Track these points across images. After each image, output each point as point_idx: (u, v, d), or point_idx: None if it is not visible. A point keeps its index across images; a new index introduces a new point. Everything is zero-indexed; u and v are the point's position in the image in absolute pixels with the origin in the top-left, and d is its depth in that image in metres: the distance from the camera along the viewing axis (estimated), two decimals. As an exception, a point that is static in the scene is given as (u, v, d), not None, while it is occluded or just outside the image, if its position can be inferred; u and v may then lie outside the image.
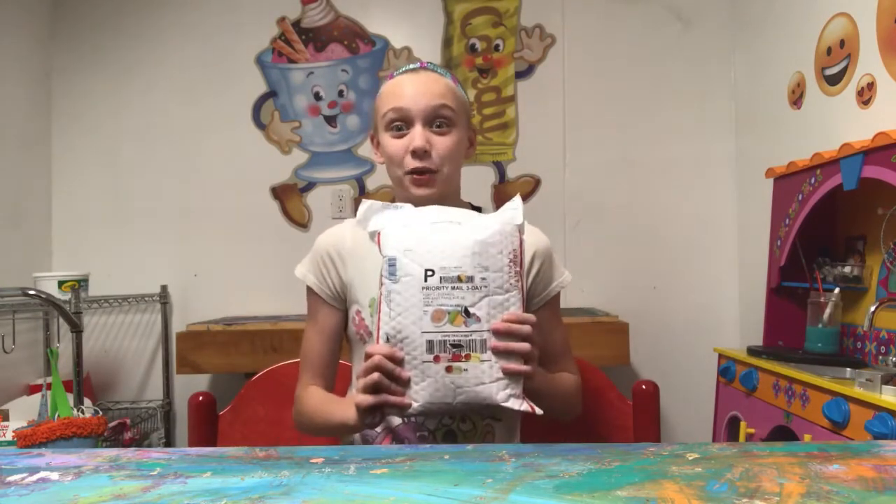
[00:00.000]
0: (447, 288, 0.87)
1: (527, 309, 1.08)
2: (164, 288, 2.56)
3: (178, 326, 2.49)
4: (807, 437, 1.47)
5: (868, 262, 1.71)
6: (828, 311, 1.69)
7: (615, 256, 2.53)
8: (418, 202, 1.03)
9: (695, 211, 2.54)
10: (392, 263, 0.89)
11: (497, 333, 0.87)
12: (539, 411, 0.89)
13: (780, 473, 0.58)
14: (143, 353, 2.60)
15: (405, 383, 0.87)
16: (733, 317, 2.52)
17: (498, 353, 0.87)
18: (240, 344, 2.16)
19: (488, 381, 0.87)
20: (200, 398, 1.21)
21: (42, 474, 0.61)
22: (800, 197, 1.81)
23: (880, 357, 1.62)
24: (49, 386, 1.80)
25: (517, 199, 0.94)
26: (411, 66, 1.10)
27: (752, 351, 1.84)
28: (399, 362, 0.87)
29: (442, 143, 1.04)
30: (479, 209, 1.16)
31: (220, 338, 2.17)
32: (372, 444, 1.05)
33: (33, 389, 2.23)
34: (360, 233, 1.03)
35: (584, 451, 0.66)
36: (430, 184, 1.04)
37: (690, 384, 2.42)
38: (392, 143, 1.05)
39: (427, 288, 0.87)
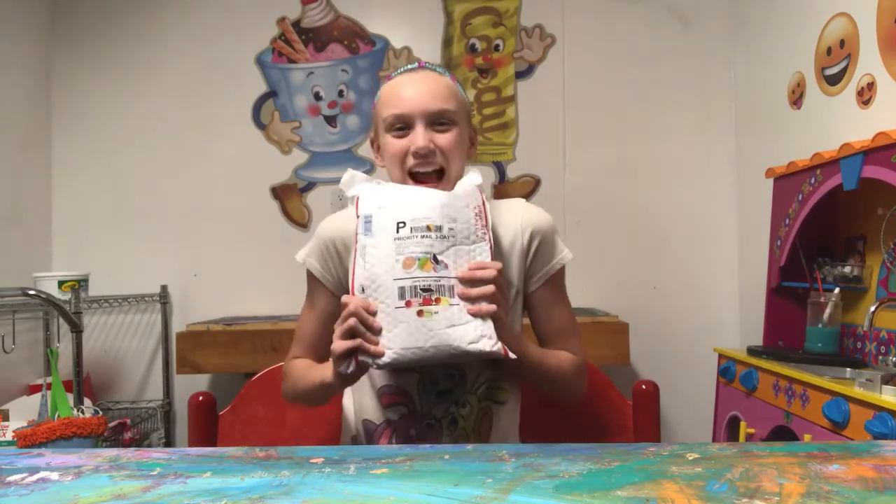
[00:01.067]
0: (417, 237, 0.92)
1: (527, 287, 1.09)
2: (164, 288, 2.56)
3: (178, 326, 2.49)
4: (807, 437, 1.47)
5: (868, 262, 1.71)
6: (828, 311, 1.69)
7: (615, 256, 2.53)
8: None
9: (695, 211, 2.54)
10: (368, 220, 0.95)
11: (462, 281, 0.91)
12: (512, 355, 0.92)
13: (780, 473, 0.58)
14: (143, 353, 2.60)
15: (378, 332, 0.90)
16: (733, 317, 2.52)
17: (465, 299, 0.90)
18: (240, 344, 2.16)
19: (458, 322, 0.90)
20: (200, 398, 1.21)
21: (42, 474, 0.61)
22: (800, 197, 1.81)
23: (880, 357, 1.62)
24: (49, 386, 1.80)
25: (475, 170, 1.03)
26: (409, 66, 1.09)
27: (752, 351, 1.84)
28: (373, 314, 0.90)
29: (445, 140, 1.03)
30: None
31: (220, 338, 2.17)
32: (373, 434, 1.05)
33: (33, 389, 2.23)
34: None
35: (584, 451, 0.66)
36: (433, 184, 1.03)
37: (690, 384, 2.42)
38: (393, 143, 1.04)
39: (398, 238, 0.92)
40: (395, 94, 1.05)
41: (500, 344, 0.91)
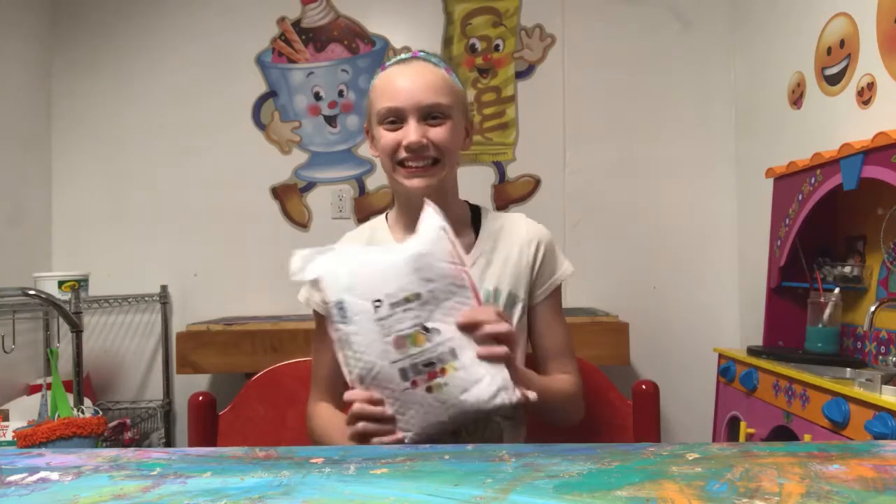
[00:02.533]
0: (399, 312, 0.85)
1: (531, 302, 1.09)
2: (164, 288, 2.56)
3: (178, 326, 2.49)
4: (807, 437, 1.47)
5: (868, 262, 1.71)
6: (828, 311, 1.69)
7: (615, 256, 2.53)
8: (415, 195, 1.03)
9: (695, 211, 2.54)
10: (340, 307, 0.87)
11: (464, 328, 0.86)
12: (533, 395, 0.88)
13: (780, 473, 0.57)
14: (143, 353, 2.60)
15: (391, 419, 0.86)
16: (733, 317, 2.52)
17: (478, 340, 0.86)
18: (240, 344, 2.16)
19: (470, 385, 0.85)
20: (200, 398, 1.20)
21: (42, 474, 0.61)
22: (800, 197, 1.81)
23: (880, 357, 1.62)
24: (49, 386, 1.80)
25: (427, 206, 0.93)
26: (404, 56, 1.07)
27: (752, 351, 1.84)
28: (380, 403, 0.86)
29: (438, 133, 1.02)
30: (477, 208, 1.16)
31: (220, 338, 2.17)
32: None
33: (33, 389, 2.23)
34: (364, 244, 1.07)
35: (584, 451, 0.66)
36: (427, 174, 1.02)
37: (690, 384, 2.42)
38: (386, 136, 1.03)
39: (380, 319, 0.85)
40: (389, 85, 1.03)
41: (517, 391, 0.87)
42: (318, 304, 1.06)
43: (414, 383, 0.85)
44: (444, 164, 1.03)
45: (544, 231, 1.12)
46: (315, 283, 0.91)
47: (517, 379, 0.88)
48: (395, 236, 1.11)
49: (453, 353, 0.85)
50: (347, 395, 0.88)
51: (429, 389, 0.85)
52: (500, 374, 0.86)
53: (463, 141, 1.09)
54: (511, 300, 1.07)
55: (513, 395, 0.86)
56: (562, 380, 1.08)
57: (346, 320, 0.87)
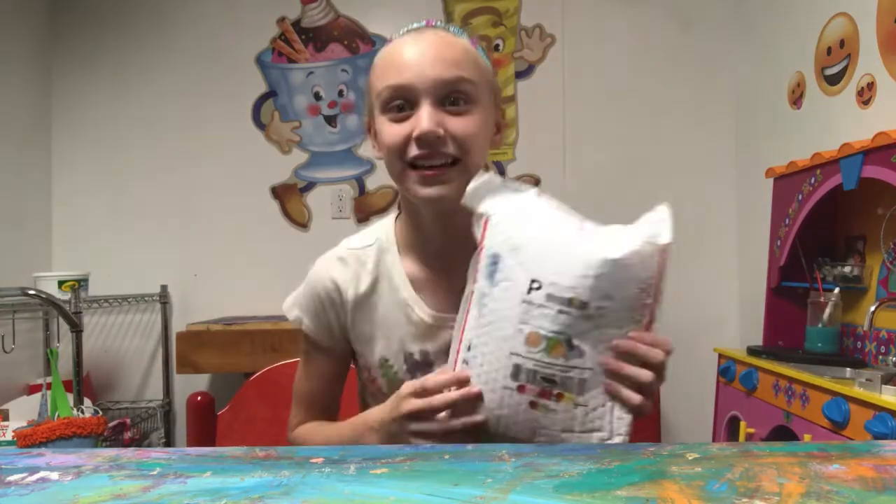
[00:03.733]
0: (552, 309, 0.69)
1: None
2: (164, 288, 2.56)
3: (178, 326, 2.48)
4: (807, 437, 1.47)
5: (868, 262, 1.71)
6: (828, 310, 1.69)
7: (615, 256, 2.53)
8: (429, 207, 0.82)
9: (695, 211, 2.54)
10: (494, 262, 0.72)
11: (618, 350, 0.71)
12: None
13: (780, 473, 0.57)
14: (143, 353, 2.60)
15: (479, 398, 0.71)
16: (733, 317, 2.52)
17: (609, 373, 0.70)
18: (240, 344, 2.16)
19: (578, 429, 0.71)
20: (199, 398, 1.21)
21: (42, 474, 0.61)
22: (800, 197, 1.81)
23: (880, 357, 1.62)
24: (49, 386, 1.81)
25: (664, 210, 0.73)
26: (415, 24, 0.83)
27: (752, 351, 1.84)
28: (465, 382, 0.71)
29: (459, 125, 0.77)
30: None
31: (219, 338, 2.17)
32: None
33: (33, 389, 2.23)
34: (366, 276, 0.87)
35: (584, 451, 0.66)
36: (444, 179, 0.78)
37: (690, 384, 2.41)
38: (390, 129, 0.78)
39: (528, 302, 0.70)
40: (395, 61, 0.79)
41: None
42: (309, 326, 0.90)
43: (521, 389, 0.70)
44: (466, 166, 0.78)
45: None
46: (479, 219, 0.75)
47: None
48: (404, 263, 0.88)
49: (582, 386, 0.70)
50: (432, 378, 0.72)
51: (532, 405, 0.70)
52: (616, 440, 0.71)
53: (493, 136, 0.85)
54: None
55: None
56: None
57: (491, 279, 0.72)
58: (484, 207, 0.75)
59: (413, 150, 0.77)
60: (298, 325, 0.91)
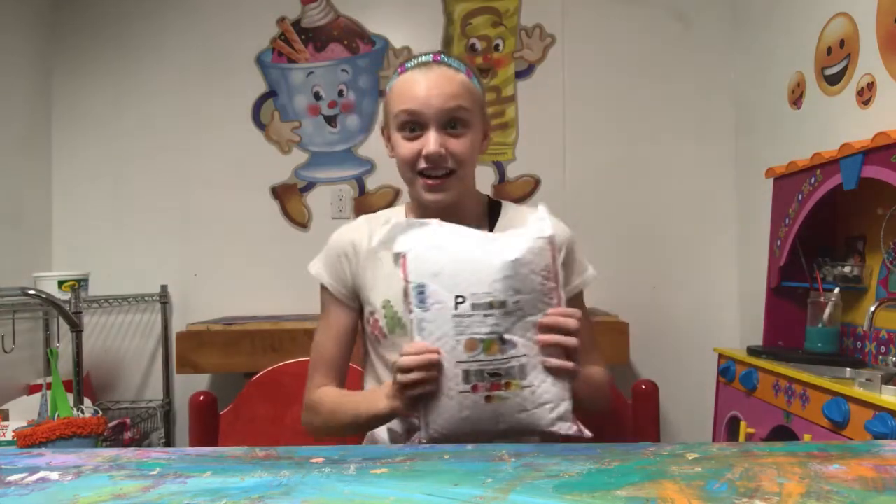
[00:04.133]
0: (479, 315, 0.83)
1: None
2: (164, 288, 2.56)
3: (178, 326, 2.48)
4: (807, 437, 1.47)
5: (868, 262, 1.70)
6: (828, 310, 1.69)
7: (615, 256, 2.53)
8: (432, 206, 1.03)
9: (695, 211, 2.54)
10: (421, 290, 0.85)
11: (542, 327, 0.85)
12: (588, 434, 0.86)
13: (780, 473, 0.57)
14: (143, 353, 2.60)
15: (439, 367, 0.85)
16: (733, 317, 2.52)
17: (542, 348, 0.84)
18: (240, 344, 2.16)
19: (531, 407, 0.84)
20: (201, 398, 1.21)
21: (42, 474, 0.61)
22: (800, 197, 1.81)
23: (880, 357, 1.62)
24: (49, 386, 1.80)
25: (542, 209, 0.91)
26: (423, 58, 1.04)
27: (752, 351, 1.84)
28: (435, 352, 0.85)
29: (458, 146, 1.00)
30: (498, 203, 1.14)
31: (220, 338, 2.17)
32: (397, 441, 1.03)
33: (33, 389, 2.23)
34: (376, 233, 1.04)
35: (584, 451, 0.66)
36: (445, 187, 1.02)
37: (690, 384, 2.42)
38: (404, 145, 1.02)
39: (458, 316, 0.83)
40: (408, 90, 1.01)
41: (575, 426, 0.86)
42: (328, 280, 1.08)
43: (475, 388, 0.83)
44: (460, 175, 1.02)
45: (567, 232, 1.10)
46: (397, 258, 0.90)
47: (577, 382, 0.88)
48: None
49: (522, 371, 0.84)
50: (405, 350, 0.86)
51: (488, 399, 0.83)
52: (563, 404, 0.85)
53: (481, 144, 1.07)
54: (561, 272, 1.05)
55: (570, 428, 0.85)
56: (597, 371, 1.07)
57: (423, 306, 0.85)
58: (399, 247, 0.90)
59: (422, 164, 1.00)
60: (319, 279, 1.09)
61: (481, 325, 0.83)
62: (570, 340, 0.85)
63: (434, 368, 0.84)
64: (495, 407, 0.83)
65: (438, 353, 0.84)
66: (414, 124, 1.01)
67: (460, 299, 0.83)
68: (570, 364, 0.85)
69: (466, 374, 0.83)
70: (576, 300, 1.09)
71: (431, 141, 0.99)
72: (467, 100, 1.01)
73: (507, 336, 0.83)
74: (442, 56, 1.04)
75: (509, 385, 0.83)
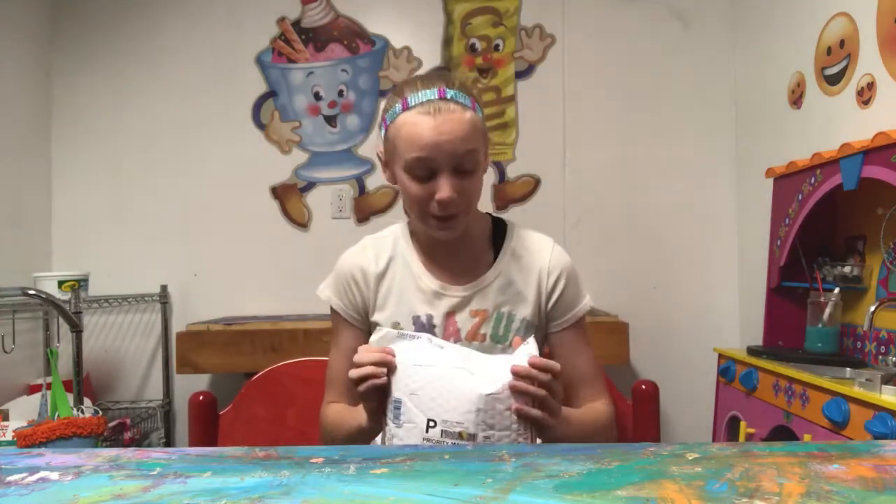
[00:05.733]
0: (447, 443, 0.83)
1: (546, 331, 1.08)
2: (164, 288, 2.56)
3: (178, 326, 2.48)
4: (807, 437, 1.47)
5: (868, 262, 1.71)
6: (828, 311, 1.69)
7: (615, 256, 2.53)
8: (442, 241, 1.04)
9: (695, 211, 2.54)
10: (398, 406, 0.87)
11: (516, 374, 0.85)
12: None
13: (780, 473, 0.58)
14: (143, 353, 2.60)
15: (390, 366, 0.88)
16: (733, 317, 2.52)
17: (513, 393, 0.84)
18: (240, 344, 2.16)
19: None
20: (201, 398, 1.21)
21: (42, 474, 0.61)
22: (800, 197, 1.81)
23: (880, 357, 1.62)
24: (49, 386, 1.80)
25: (532, 343, 0.89)
26: (430, 97, 0.98)
27: (752, 351, 1.84)
28: (390, 352, 0.89)
29: (469, 187, 1.00)
30: (502, 221, 1.13)
31: (220, 338, 2.17)
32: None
33: (33, 389, 2.23)
34: (384, 256, 1.09)
35: (584, 451, 0.66)
36: (456, 225, 1.02)
37: (690, 384, 2.42)
38: (414, 187, 1.00)
39: (428, 439, 0.84)
40: (418, 137, 0.97)
41: None
42: (338, 304, 1.10)
43: None
44: (468, 213, 1.03)
45: (568, 262, 1.09)
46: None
47: (550, 434, 0.89)
48: (414, 247, 1.11)
49: None
50: (360, 349, 0.90)
51: None
52: None
53: (483, 174, 1.07)
54: (526, 326, 1.06)
55: None
56: (595, 412, 1.05)
57: (397, 421, 0.86)
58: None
59: (434, 209, 1.00)
60: (329, 303, 1.11)
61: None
62: (539, 392, 0.85)
63: (384, 366, 0.87)
64: None
65: (392, 354, 0.88)
66: (426, 171, 0.99)
67: (432, 423, 0.84)
68: (536, 412, 0.85)
69: None
70: (576, 328, 1.09)
71: (445, 188, 0.97)
72: (477, 140, 1.00)
73: None
74: (447, 91, 0.99)
75: None
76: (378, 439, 1.06)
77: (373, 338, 0.93)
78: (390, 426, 0.87)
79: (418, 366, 0.87)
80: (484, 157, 1.05)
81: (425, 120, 0.97)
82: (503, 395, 0.84)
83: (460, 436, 0.83)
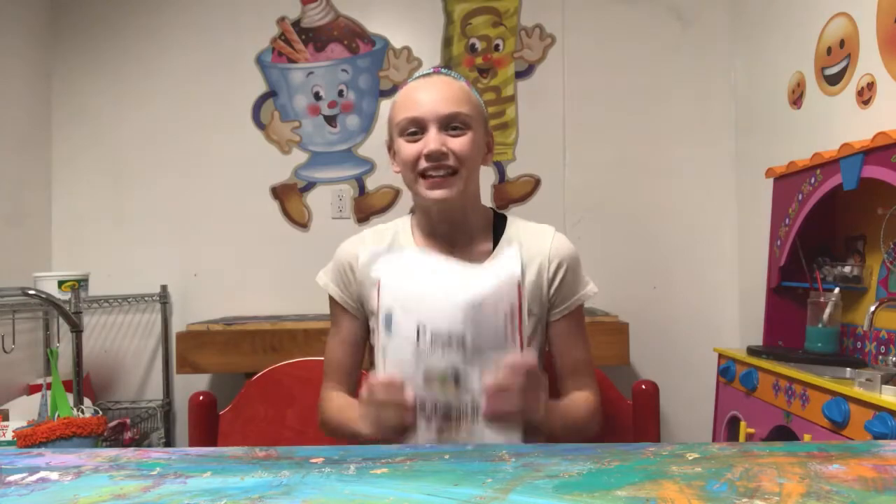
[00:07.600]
0: (438, 349, 0.85)
1: (547, 320, 1.08)
2: (164, 288, 2.56)
3: (178, 326, 2.48)
4: (807, 437, 1.47)
5: (868, 262, 1.71)
6: (828, 310, 1.69)
7: (615, 256, 2.53)
8: (435, 206, 1.04)
9: (695, 211, 2.54)
10: (388, 319, 0.89)
11: (489, 391, 0.85)
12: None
13: (780, 473, 0.58)
14: (143, 353, 2.60)
15: (410, 408, 0.87)
16: (733, 317, 2.52)
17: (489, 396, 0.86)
18: (240, 344, 2.16)
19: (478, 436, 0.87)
20: (201, 398, 1.21)
21: (42, 474, 0.61)
22: (800, 197, 1.81)
23: (880, 357, 1.62)
24: (49, 386, 1.80)
25: (514, 248, 0.94)
26: (424, 71, 1.09)
27: (752, 351, 1.84)
28: (401, 386, 0.87)
29: (458, 143, 1.01)
30: (503, 216, 1.13)
31: (220, 338, 2.17)
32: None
33: (33, 389, 2.23)
34: (385, 245, 1.09)
35: (584, 451, 0.66)
36: (446, 185, 1.01)
37: (690, 384, 2.42)
38: (406, 147, 1.03)
39: (419, 346, 0.86)
40: (410, 98, 1.04)
41: None
42: (335, 291, 1.11)
43: (428, 419, 0.86)
44: (462, 176, 1.02)
45: (570, 250, 1.09)
46: (372, 282, 0.94)
47: (539, 420, 0.90)
48: (415, 240, 1.11)
49: (475, 412, 0.86)
50: (366, 386, 0.89)
51: (439, 431, 0.86)
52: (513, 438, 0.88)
53: (484, 156, 1.08)
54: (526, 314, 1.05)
55: None
56: (579, 403, 1.06)
57: (389, 333, 0.88)
58: (375, 272, 0.96)
59: (423, 164, 1.01)
60: (327, 290, 1.12)
61: (439, 359, 0.85)
62: (511, 405, 0.86)
63: (401, 402, 0.86)
64: (445, 438, 0.87)
65: (402, 386, 0.87)
66: (415, 128, 1.02)
67: (422, 329, 0.85)
68: (511, 409, 0.86)
69: (423, 404, 0.86)
70: (575, 314, 1.09)
71: (432, 139, 1.00)
72: (467, 105, 1.03)
73: (462, 374, 0.85)
74: (442, 69, 1.08)
75: (459, 424, 0.86)
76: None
77: (361, 259, 0.98)
78: (382, 337, 0.90)
79: (407, 277, 0.91)
80: (482, 129, 1.06)
81: (417, 84, 1.05)
82: (490, 300, 0.87)
83: (449, 340, 0.84)
